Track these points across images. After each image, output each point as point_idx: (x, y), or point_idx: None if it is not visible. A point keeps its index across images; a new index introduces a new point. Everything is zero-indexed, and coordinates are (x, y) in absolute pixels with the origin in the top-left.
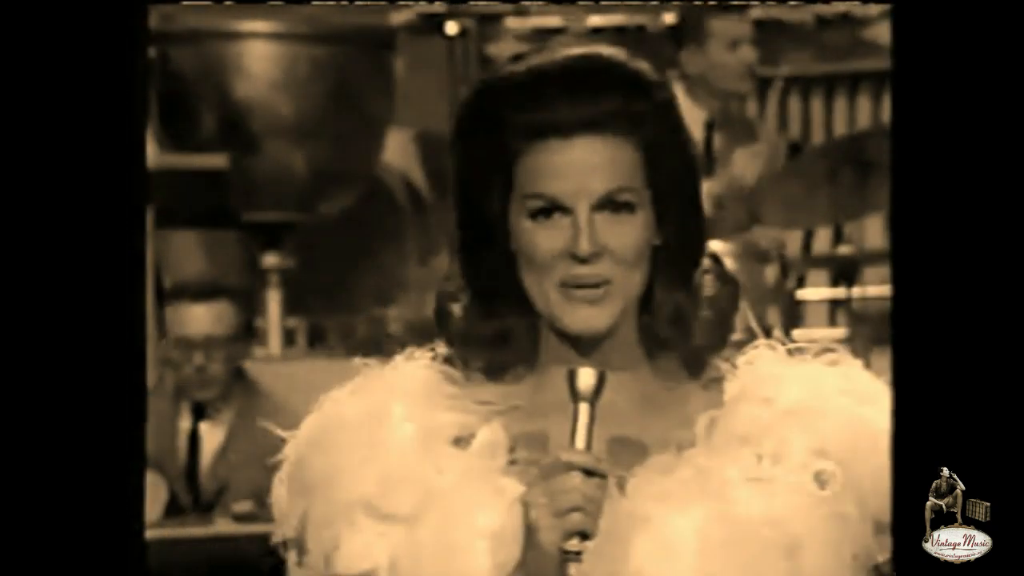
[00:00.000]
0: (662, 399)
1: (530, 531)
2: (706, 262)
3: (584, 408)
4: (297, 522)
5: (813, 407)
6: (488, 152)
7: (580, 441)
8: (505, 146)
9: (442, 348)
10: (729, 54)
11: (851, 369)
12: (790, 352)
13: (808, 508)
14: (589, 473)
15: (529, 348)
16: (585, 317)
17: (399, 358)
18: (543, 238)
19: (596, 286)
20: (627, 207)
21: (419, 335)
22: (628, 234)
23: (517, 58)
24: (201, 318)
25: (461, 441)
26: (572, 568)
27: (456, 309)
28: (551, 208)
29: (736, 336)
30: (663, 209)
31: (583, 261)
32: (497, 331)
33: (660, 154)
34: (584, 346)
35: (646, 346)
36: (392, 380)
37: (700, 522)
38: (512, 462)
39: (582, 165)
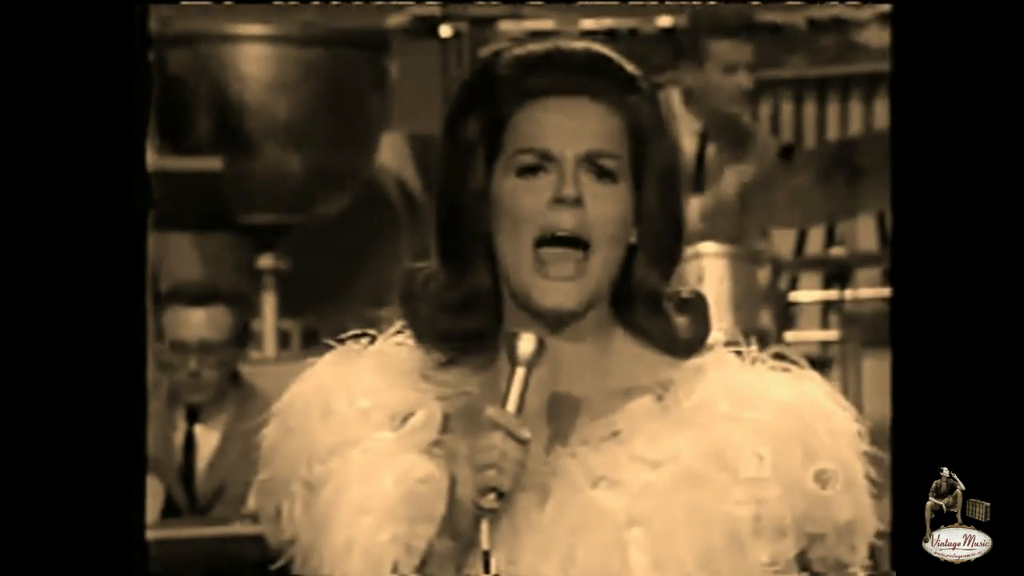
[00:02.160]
0: (617, 384)
1: (452, 483)
2: (684, 287)
3: (520, 372)
4: (256, 494)
5: (724, 412)
6: (478, 123)
7: (511, 404)
8: (496, 114)
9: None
10: (725, 78)
11: (804, 384)
12: (752, 361)
13: (671, 508)
14: (512, 436)
15: (493, 320)
16: (557, 293)
17: (381, 337)
18: (527, 193)
19: (572, 245)
20: (609, 175)
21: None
22: (608, 200)
23: (514, 43)
24: (197, 323)
25: (405, 420)
26: (484, 526)
27: (422, 285)
28: (538, 165)
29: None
30: (643, 198)
31: (566, 206)
32: (463, 298)
33: (644, 140)
34: (552, 323)
35: (619, 330)
36: (362, 357)
37: (554, 509)
38: (436, 443)
39: (572, 121)
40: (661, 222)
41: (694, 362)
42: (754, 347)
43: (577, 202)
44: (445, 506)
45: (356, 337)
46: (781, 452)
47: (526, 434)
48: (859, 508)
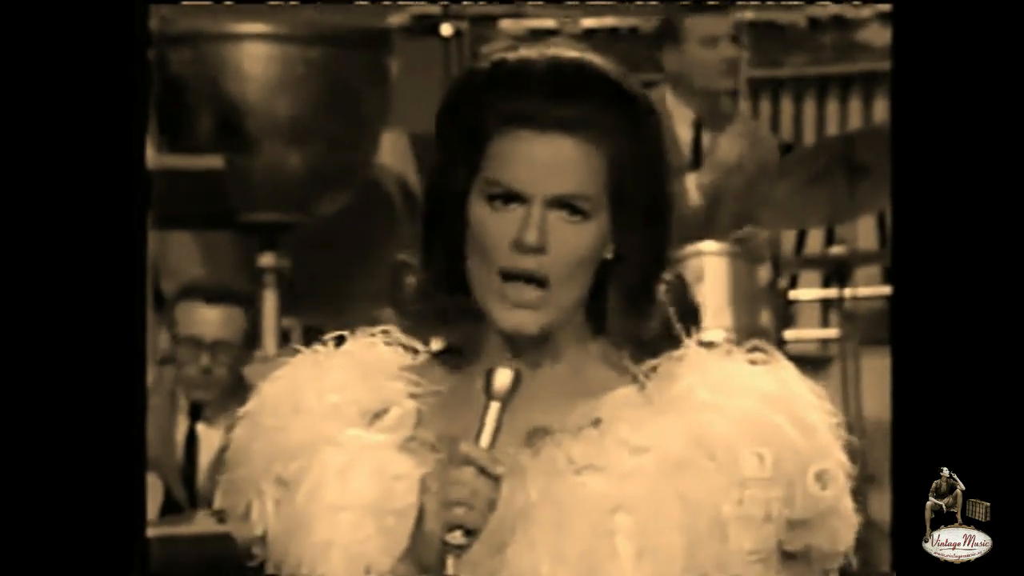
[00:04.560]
0: (592, 389)
1: (420, 516)
2: (667, 282)
3: (495, 407)
4: (222, 493)
5: (705, 400)
6: (463, 132)
7: (485, 439)
8: (479, 127)
9: (394, 331)
10: (707, 51)
11: (778, 371)
12: (727, 352)
13: (657, 494)
14: (484, 472)
15: (474, 328)
16: (518, 319)
17: (351, 339)
18: (495, 224)
19: (533, 282)
20: (581, 213)
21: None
22: (576, 239)
23: (507, 49)
24: (213, 321)
25: (377, 415)
26: (450, 560)
27: (411, 281)
28: (508, 196)
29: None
30: (622, 220)
31: (527, 252)
32: (447, 306)
33: (628, 165)
34: (517, 345)
35: (590, 338)
36: (333, 357)
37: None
38: (411, 439)
39: (547, 161)
40: (639, 247)
41: (672, 355)
42: (724, 342)
43: (539, 249)
44: (410, 537)
45: (324, 340)
46: (764, 440)
47: (499, 470)
48: (839, 497)
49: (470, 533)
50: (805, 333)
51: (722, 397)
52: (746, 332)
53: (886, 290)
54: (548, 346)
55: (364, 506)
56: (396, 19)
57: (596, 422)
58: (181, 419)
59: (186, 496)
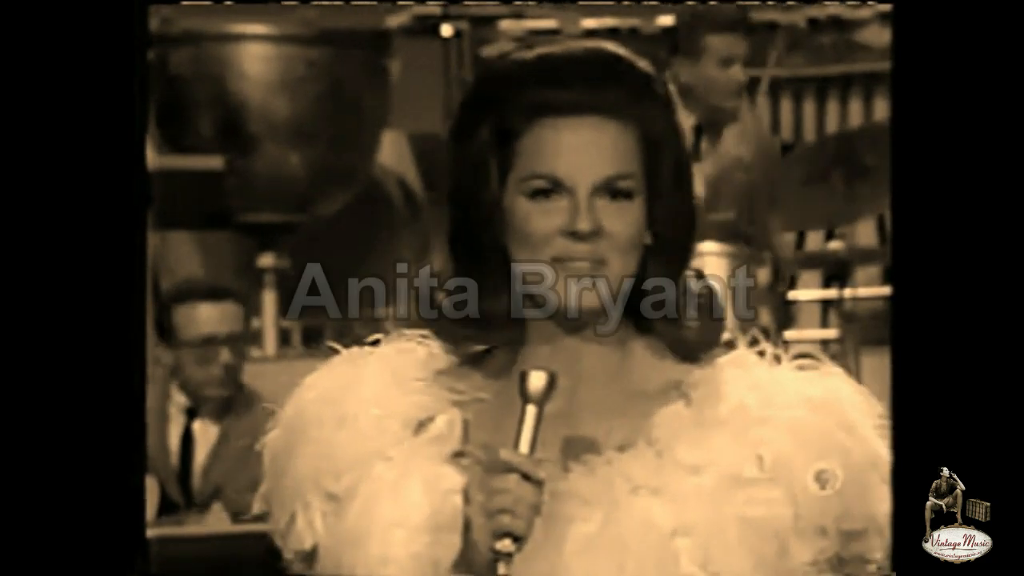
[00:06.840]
0: (637, 386)
1: (466, 526)
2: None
3: (531, 411)
4: (263, 500)
5: (757, 414)
6: (489, 134)
7: (524, 444)
8: (507, 126)
9: (430, 335)
10: (721, 72)
11: (830, 380)
12: (775, 358)
13: (719, 514)
14: (527, 477)
15: (514, 331)
16: (578, 297)
17: (385, 342)
18: (540, 217)
19: (590, 263)
20: (625, 194)
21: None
22: (625, 220)
23: (524, 47)
24: (214, 318)
25: (422, 424)
26: (502, 567)
27: (441, 294)
28: (550, 188)
29: (732, 336)
30: (656, 204)
31: (581, 239)
32: (484, 314)
33: (657, 147)
34: (574, 326)
35: (633, 335)
36: (369, 362)
37: (598, 525)
38: (459, 453)
39: (586, 145)
40: (674, 224)
41: (718, 363)
42: (770, 346)
43: (594, 233)
44: (460, 544)
45: (360, 342)
46: (819, 449)
47: (541, 475)
48: (887, 504)
49: (518, 539)
50: (805, 333)
51: (774, 409)
52: (746, 333)
53: (886, 290)
54: (592, 341)
55: (418, 521)
56: (396, 19)
57: (650, 443)
58: (176, 419)
59: (182, 496)
